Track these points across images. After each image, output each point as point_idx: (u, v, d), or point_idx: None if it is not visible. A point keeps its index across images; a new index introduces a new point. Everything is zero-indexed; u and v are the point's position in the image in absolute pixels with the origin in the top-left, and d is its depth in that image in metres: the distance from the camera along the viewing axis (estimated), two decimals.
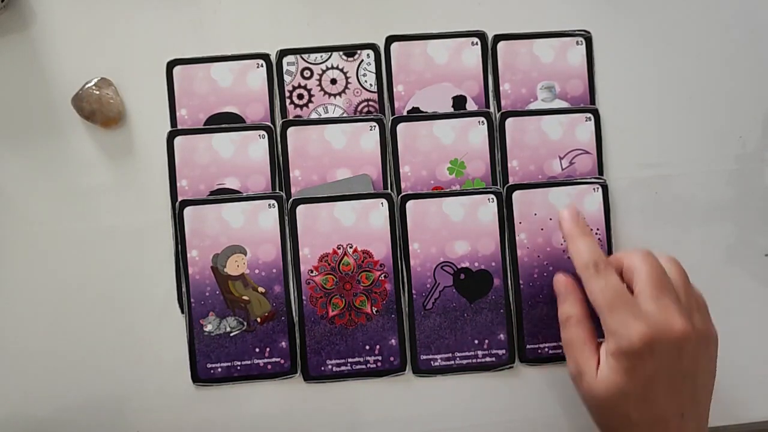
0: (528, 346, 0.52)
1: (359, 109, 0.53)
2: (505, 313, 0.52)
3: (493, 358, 0.52)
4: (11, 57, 0.52)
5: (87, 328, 0.51)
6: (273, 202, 0.52)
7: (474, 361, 0.52)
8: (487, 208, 0.52)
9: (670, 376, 0.43)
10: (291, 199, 0.52)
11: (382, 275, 0.52)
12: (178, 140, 0.52)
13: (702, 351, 0.45)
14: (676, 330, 0.43)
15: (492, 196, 0.52)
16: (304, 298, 0.52)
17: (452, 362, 0.52)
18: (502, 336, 0.52)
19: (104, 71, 0.52)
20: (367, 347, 0.52)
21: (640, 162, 0.53)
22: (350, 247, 0.52)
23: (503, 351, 0.52)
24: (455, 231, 0.52)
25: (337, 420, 0.52)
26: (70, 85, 0.52)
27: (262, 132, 0.52)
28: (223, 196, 0.52)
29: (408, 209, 0.52)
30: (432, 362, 0.52)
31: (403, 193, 0.52)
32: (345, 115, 0.53)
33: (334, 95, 0.53)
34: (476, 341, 0.52)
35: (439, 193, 0.52)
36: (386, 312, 0.52)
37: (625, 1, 0.54)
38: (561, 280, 0.49)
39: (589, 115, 0.53)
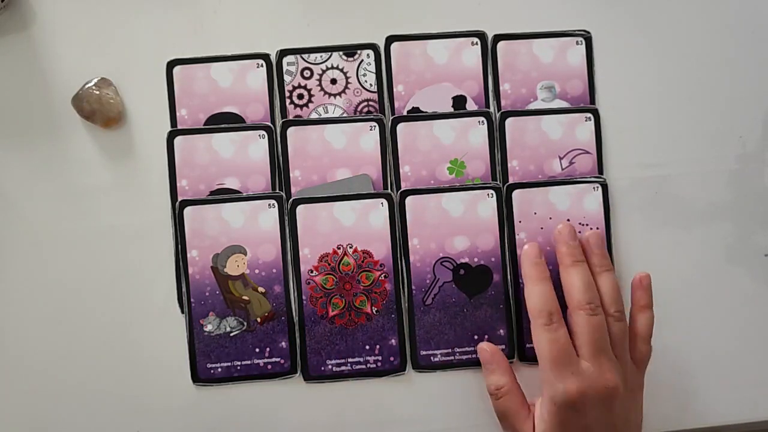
0: (527, 345, 0.52)
1: (359, 109, 0.53)
2: (505, 308, 0.52)
3: None
4: (11, 57, 0.52)
5: (87, 328, 0.51)
6: (273, 202, 0.52)
7: (474, 356, 0.52)
8: (486, 203, 0.52)
9: (603, 428, 0.46)
10: (291, 199, 0.52)
11: (382, 275, 0.52)
12: (178, 140, 0.52)
13: (632, 403, 0.48)
14: (608, 386, 0.46)
15: (491, 191, 0.52)
16: (304, 298, 0.52)
17: (452, 357, 0.52)
18: (501, 331, 0.52)
19: (104, 71, 0.52)
20: (367, 347, 0.52)
21: (640, 162, 0.53)
22: (350, 247, 0.52)
23: (503, 347, 0.52)
24: (455, 226, 0.52)
25: (337, 420, 0.52)
26: (70, 85, 0.52)
27: (262, 132, 0.52)
28: (223, 196, 0.52)
29: (407, 205, 0.52)
30: (432, 357, 0.52)
31: (402, 189, 0.52)
32: (345, 115, 0.53)
33: (334, 95, 0.53)
34: (476, 337, 0.52)
35: (438, 188, 0.52)
36: (386, 312, 0.52)
37: (625, 1, 0.54)
38: (486, 350, 0.51)
39: (589, 115, 0.53)
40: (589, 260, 0.50)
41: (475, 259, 0.52)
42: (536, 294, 0.48)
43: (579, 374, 0.46)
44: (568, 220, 0.52)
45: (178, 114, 0.52)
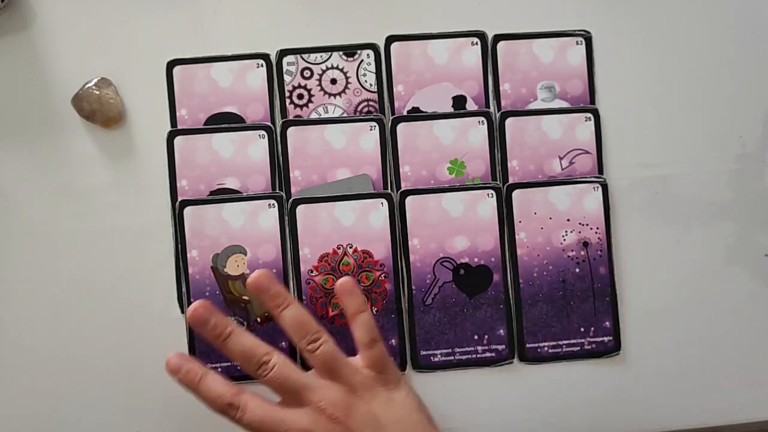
0: (528, 345, 0.52)
1: (359, 109, 0.53)
2: (505, 308, 0.52)
3: (493, 354, 0.52)
4: (11, 57, 0.52)
5: (87, 328, 0.51)
6: (273, 202, 0.52)
7: (473, 356, 0.52)
8: (486, 203, 0.52)
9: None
10: (291, 199, 0.52)
11: (382, 275, 0.52)
12: (178, 140, 0.52)
13: (377, 405, 0.47)
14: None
15: (491, 191, 0.52)
16: (304, 298, 0.52)
17: (452, 357, 0.52)
18: (501, 331, 0.52)
19: (104, 71, 0.52)
20: None
21: (640, 162, 0.53)
22: (350, 247, 0.52)
23: (503, 346, 0.52)
24: (455, 227, 0.52)
25: None
26: (70, 85, 0.52)
27: (262, 132, 0.52)
28: (223, 196, 0.52)
29: (407, 205, 0.52)
30: (432, 357, 0.52)
31: (402, 189, 0.52)
32: (345, 115, 0.53)
33: (334, 95, 0.53)
34: (476, 336, 0.52)
35: (438, 188, 0.52)
36: (386, 312, 0.52)
37: (625, 0, 0.54)
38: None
39: (588, 115, 0.53)
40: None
41: (475, 259, 0.52)
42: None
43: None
44: (568, 220, 0.52)
45: (178, 114, 0.52)
